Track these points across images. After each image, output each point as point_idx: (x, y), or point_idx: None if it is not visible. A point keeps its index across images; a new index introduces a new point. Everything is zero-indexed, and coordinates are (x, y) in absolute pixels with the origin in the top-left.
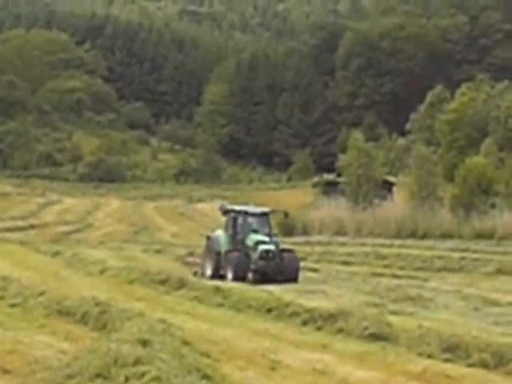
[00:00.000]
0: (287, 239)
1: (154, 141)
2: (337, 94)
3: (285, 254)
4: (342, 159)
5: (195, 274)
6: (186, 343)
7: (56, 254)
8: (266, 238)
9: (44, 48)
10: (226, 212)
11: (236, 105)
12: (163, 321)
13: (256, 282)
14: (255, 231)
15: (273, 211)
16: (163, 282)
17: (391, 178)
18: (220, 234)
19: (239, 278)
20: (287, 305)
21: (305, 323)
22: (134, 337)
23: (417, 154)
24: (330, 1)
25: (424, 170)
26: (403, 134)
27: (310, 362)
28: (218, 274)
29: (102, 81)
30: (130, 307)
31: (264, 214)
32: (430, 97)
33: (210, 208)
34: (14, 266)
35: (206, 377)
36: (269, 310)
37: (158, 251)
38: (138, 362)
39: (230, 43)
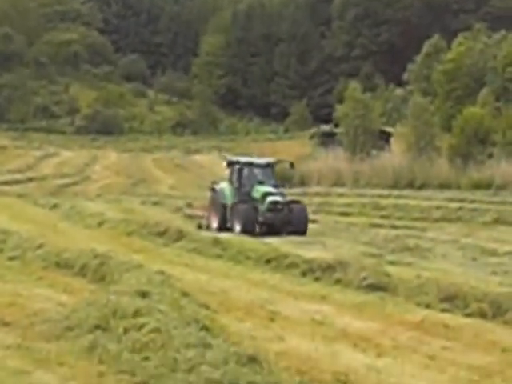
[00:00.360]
0: (285, 190)
1: (150, 93)
2: (333, 44)
3: (293, 205)
4: (339, 110)
5: (199, 226)
6: (184, 294)
7: (54, 206)
8: (274, 190)
9: (39, 0)
10: (230, 164)
11: (233, 56)
12: (162, 272)
13: (264, 234)
14: (261, 183)
15: (278, 161)
16: (161, 233)
17: (388, 129)
18: (225, 186)
19: (247, 230)
20: (286, 256)
21: (303, 274)
22: (132, 288)
23: (414, 105)
24: None
25: (421, 120)
26: (400, 84)
27: (308, 312)
28: (224, 227)
29: (98, 33)
30: (129, 259)
31: (269, 165)
32: (426, 47)
33: (208, 159)
34: (12, 219)
35: (204, 328)
36: (267, 261)
37: (155, 203)
38: (136, 313)
39: None
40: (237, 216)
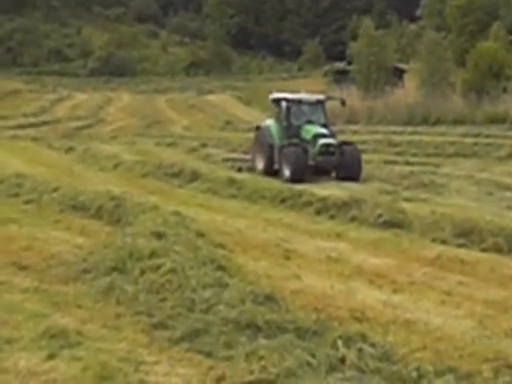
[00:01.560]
0: None
1: (163, 33)
2: None
3: (345, 148)
4: (353, 47)
5: (239, 169)
6: (200, 235)
7: (69, 149)
8: (325, 131)
9: None
10: (276, 100)
11: None
12: (177, 213)
13: (313, 178)
14: (310, 122)
15: (328, 98)
16: (176, 174)
17: (402, 65)
18: (271, 124)
19: (297, 176)
20: (300, 194)
21: (318, 212)
22: (148, 230)
23: (427, 40)
24: None
25: (435, 55)
26: (413, 19)
27: (324, 250)
28: (271, 170)
29: None
30: (144, 201)
31: (319, 102)
32: None
33: (221, 99)
34: (27, 162)
35: (220, 268)
36: (282, 200)
37: (170, 144)
38: (153, 254)
39: None
40: (286, 160)
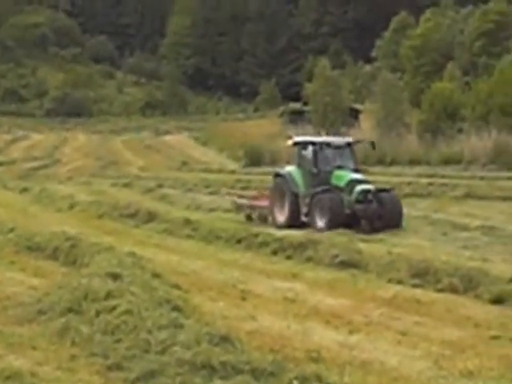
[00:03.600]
0: (255, 169)
1: (119, 74)
2: (301, 22)
3: (383, 195)
4: (308, 88)
5: (249, 218)
6: (156, 276)
7: (24, 190)
8: (360, 176)
9: None
10: (299, 144)
11: (200, 36)
12: (133, 254)
13: (354, 228)
14: (340, 167)
15: (359, 141)
16: (132, 215)
17: (357, 106)
18: (294, 170)
19: (334, 226)
20: (256, 235)
21: (274, 252)
22: (104, 271)
23: (383, 81)
24: None
25: (390, 96)
26: (369, 60)
27: (280, 290)
28: (296, 222)
29: (64, 15)
30: (100, 241)
31: (348, 145)
32: (394, 23)
33: (177, 140)
34: None
35: (176, 309)
36: (238, 241)
37: (126, 185)
38: (108, 295)
39: None
40: (320, 208)
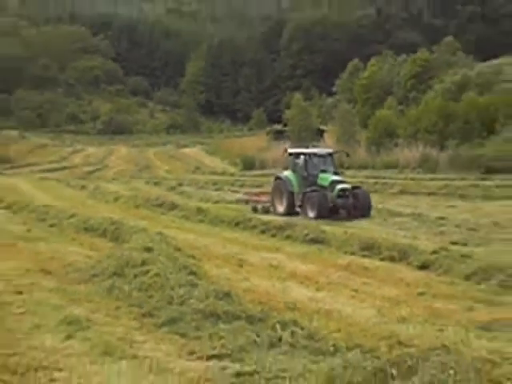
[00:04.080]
0: (249, 172)
1: (150, 104)
2: (281, 67)
3: (358, 191)
4: (287, 114)
5: (255, 210)
6: (177, 249)
7: (82, 187)
8: (340, 178)
9: (69, 38)
10: (293, 155)
11: (209, 76)
12: (160, 233)
13: (334, 217)
14: (324, 171)
15: (336, 152)
16: (160, 205)
17: (323, 127)
18: (290, 174)
19: (321, 215)
20: (250, 219)
21: (263, 232)
22: (139, 245)
23: (341, 109)
24: None
25: (346, 120)
26: (331, 94)
27: (267, 260)
28: (291, 212)
29: (111, 61)
30: (136, 224)
31: (330, 155)
32: (349, 67)
33: (192, 151)
34: (52, 197)
35: (192, 273)
36: (237, 224)
37: (155, 183)
38: (143, 263)
39: (204, 32)
40: (310, 203)
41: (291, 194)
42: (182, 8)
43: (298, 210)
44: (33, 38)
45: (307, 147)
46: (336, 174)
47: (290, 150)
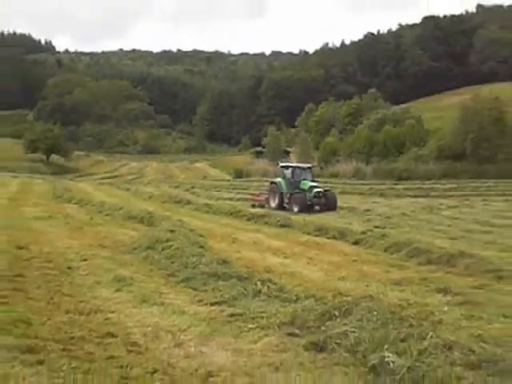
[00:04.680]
0: (239, 179)
1: (173, 133)
2: (261, 108)
3: (327, 193)
4: (265, 140)
5: (253, 206)
6: (191, 230)
7: (127, 189)
8: (316, 184)
9: (118, 89)
10: (283, 167)
11: (212, 114)
12: (180, 220)
13: (312, 211)
14: (304, 179)
15: (313, 166)
16: (179, 201)
17: (288, 149)
18: (280, 180)
19: (302, 210)
20: (240, 211)
21: (249, 219)
22: (165, 228)
23: (300, 137)
24: (260, 63)
25: (304, 144)
26: (294, 127)
27: (252, 238)
28: (281, 207)
29: (147, 104)
30: (163, 214)
31: (309, 168)
32: (306, 109)
33: (201, 165)
34: (106, 196)
35: (201, 246)
36: (231, 214)
37: (176, 187)
38: (167, 240)
39: (209, 85)
40: (294, 201)
41: (281, 194)
42: (194, 69)
43: (285, 205)
44: (94, 88)
45: (277, 164)
46: (313, 181)
47: (281, 164)
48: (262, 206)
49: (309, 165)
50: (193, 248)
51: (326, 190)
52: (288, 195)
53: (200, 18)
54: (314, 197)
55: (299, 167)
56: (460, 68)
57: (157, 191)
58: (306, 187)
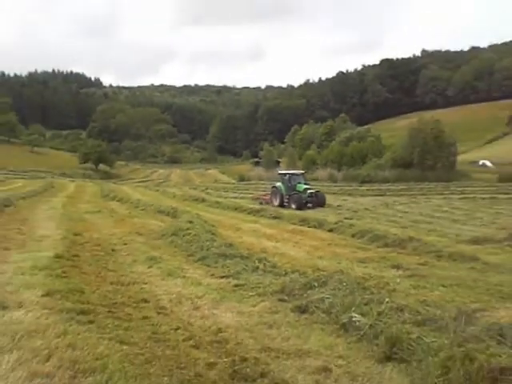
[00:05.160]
0: (242, 182)
1: (191, 148)
2: (257, 129)
3: (318, 193)
4: (261, 153)
5: (261, 203)
6: (205, 221)
7: (156, 190)
8: (309, 186)
9: (150, 114)
10: (282, 174)
11: (222, 133)
12: (197, 214)
13: (307, 208)
14: (299, 183)
15: (305, 172)
16: (196, 199)
17: (279, 160)
18: (280, 184)
19: (299, 207)
20: (242, 206)
21: (249, 213)
22: (186, 219)
23: (288, 151)
24: (257, 94)
25: (291, 156)
26: (283, 142)
27: (251, 227)
28: (282, 205)
29: (171, 126)
30: (184, 209)
31: (302, 174)
32: (292, 129)
33: (213, 172)
34: (141, 195)
35: (213, 233)
36: (235, 209)
37: (194, 188)
38: (187, 229)
39: (218, 111)
40: (293, 200)
41: (281, 195)
42: (207, 99)
43: (285, 204)
44: (132, 114)
45: (277, 172)
46: (306, 184)
47: (280, 171)
48: (267, 203)
49: (302, 171)
50: (206, 235)
51: (317, 191)
52: (287, 196)
53: (212, 60)
54: (308, 197)
55: (295, 173)
56: (409, 98)
57: (179, 192)
58: (301, 189)
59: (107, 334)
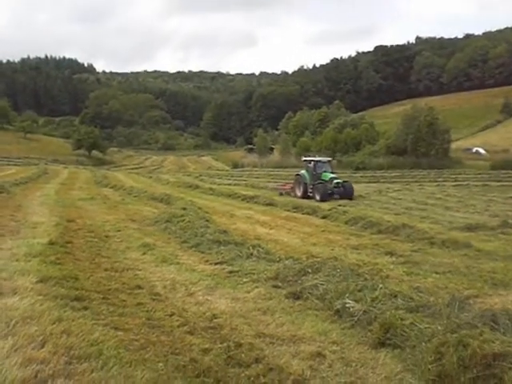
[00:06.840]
0: (236, 169)
1: (185, 134)
2: (251, 116)
3: (345, 184)
4: (255, 140)
5: (281, 194)
6: (199, 208)
7: (149, 177)
8: (335, 175)
9: (143, 100)
10: (306, 161)
11: (215, 119)
12: (191, 200)
13: (332, 199)
14: (325, 171)
15: (332, 159)
16: (190, 186)
17: (273, 146)
18: (304, 172)
19: (323, 199)
20: (237, 193)
21: (243, 200)
22: (180, 206)
23: (282, 137)
24: (251, 80)
25: (284, 143)
26: (277, 129)
27: (245, 214)
28: (305, 196)
29: (165, 112)
30: (178, 195)
31: (328, 161)
32: (286, 116)
33: (207, 159)
34: (134, 182)
35: (207, 220)
36: (229, 195)
37: (187, 175)
38: (181, 216)
39: (212, 97)
40: (317, 191)
41: (305, 185)
42: (201, 85)
43: (310, 194)
44: (125, 100)
45: (315, 156)
46: (332, 173)
47: (305, 158)
48: (288, 194)
49: (329, 158)
50: (200, 221)
51: (344, 181)
52: (311, 186)
53: (206, 47)
54: (334, 187)
55: (320, 161)
56: (402, 85)
57: (173, 178)
58: (326, 178)
59: (102, 320)
